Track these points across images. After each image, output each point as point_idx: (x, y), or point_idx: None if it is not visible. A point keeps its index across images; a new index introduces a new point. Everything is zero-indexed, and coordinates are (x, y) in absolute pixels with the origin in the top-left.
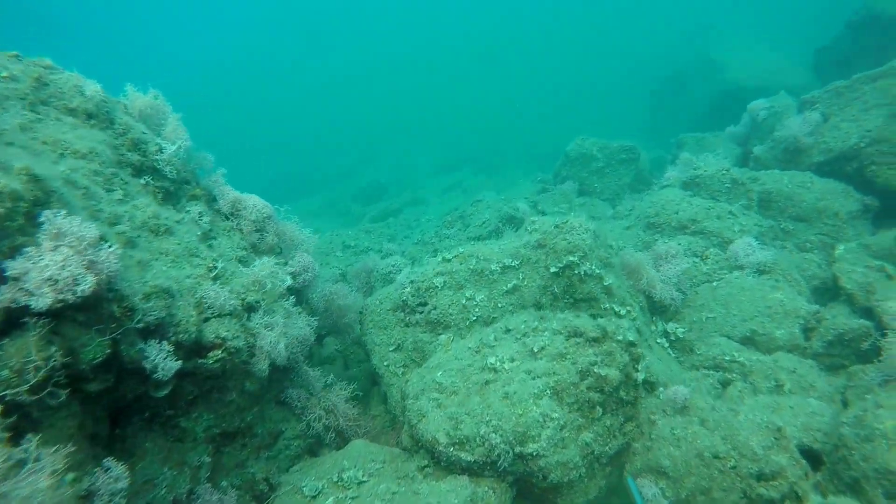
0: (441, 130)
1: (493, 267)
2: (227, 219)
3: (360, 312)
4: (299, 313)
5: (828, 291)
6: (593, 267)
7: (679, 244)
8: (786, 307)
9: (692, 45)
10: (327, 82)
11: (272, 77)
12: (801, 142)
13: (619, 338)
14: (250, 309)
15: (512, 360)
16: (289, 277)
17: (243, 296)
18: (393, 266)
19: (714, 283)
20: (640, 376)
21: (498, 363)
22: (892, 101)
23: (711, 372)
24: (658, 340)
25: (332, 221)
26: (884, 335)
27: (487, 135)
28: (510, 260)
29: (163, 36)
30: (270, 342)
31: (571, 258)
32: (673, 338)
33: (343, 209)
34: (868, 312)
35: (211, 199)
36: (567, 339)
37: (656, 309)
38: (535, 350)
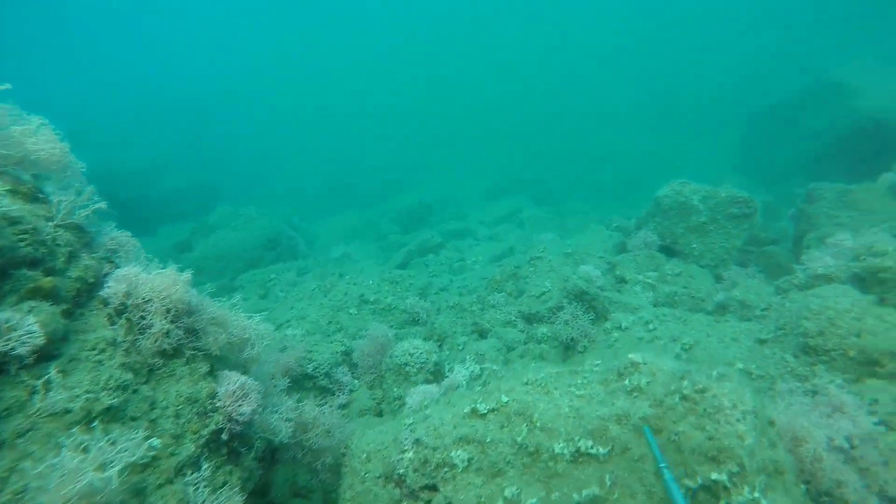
0: (495, 149)
1: (557, 448)
2: (114, 320)
3: (342, 454)
4: (225, 483)
5: None
6: (756, 494)
7: (876, 400)
8: None
9: (808, 69)
10: (377, 91)
11: (319, 84)
12: None
13: None
14: None
15: None
16: (155, 441)
17: None
18: (411, 355)
19: None
20: None
21: None
22: None
23: None
24: None
25: (368, 246)
26: None
27: (547, 159)
28: (589, 442)
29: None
30: None
31: (716, 475)
32: None
33: (381, 231)
34: None
35: (86, 290)
36: None
37: None
38: None
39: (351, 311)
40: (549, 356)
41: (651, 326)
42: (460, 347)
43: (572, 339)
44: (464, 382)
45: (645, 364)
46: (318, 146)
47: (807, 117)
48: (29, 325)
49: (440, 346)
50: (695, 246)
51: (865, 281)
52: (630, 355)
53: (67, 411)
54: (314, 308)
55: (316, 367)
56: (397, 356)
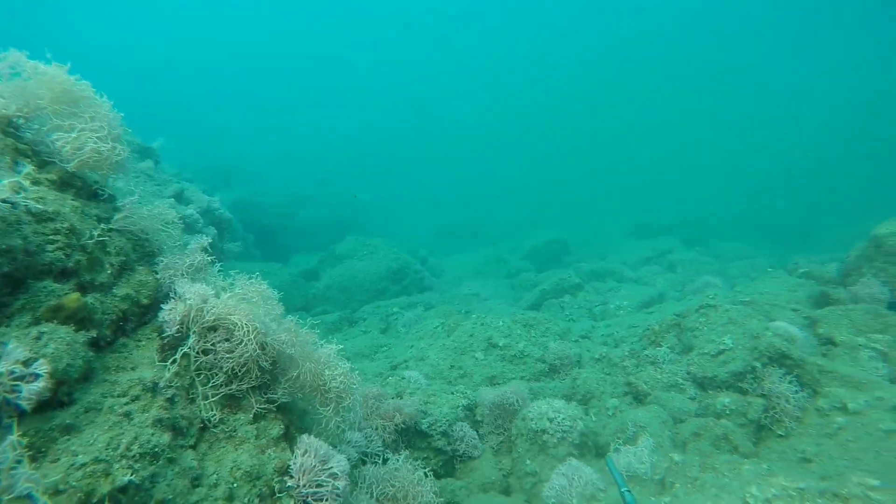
0: (636, 187)
1: None
2: (167, 355)
3: None
4: None
5: None
6: None
7: None
8: None
9: None
10: (503, 121)
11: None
12: None
13: None
14: None
15: None
16: None
17: None
18: (551, 420)
19: None
20: None
21: None
22: None
23: None
24: None
25: (497, 283)
26: None
27: (697, 197)
28: None
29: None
30: None
31: None
32: None
33: (513, 269)
34: None
35: (135, 313)
36: None
37: None
38: None
39: (477, 355)
40: (737, 438)
41: None
42: (610, 413)
43: (769, 417)
44: (645, 472)
45: None
46: (445, 185)
47: None
48: (22, 355)
49: (585, 409)
50: None
51: None
52: None
53: (58, 492)
54: (435, 349)
55: (432, 425)
56: (532, 419)
